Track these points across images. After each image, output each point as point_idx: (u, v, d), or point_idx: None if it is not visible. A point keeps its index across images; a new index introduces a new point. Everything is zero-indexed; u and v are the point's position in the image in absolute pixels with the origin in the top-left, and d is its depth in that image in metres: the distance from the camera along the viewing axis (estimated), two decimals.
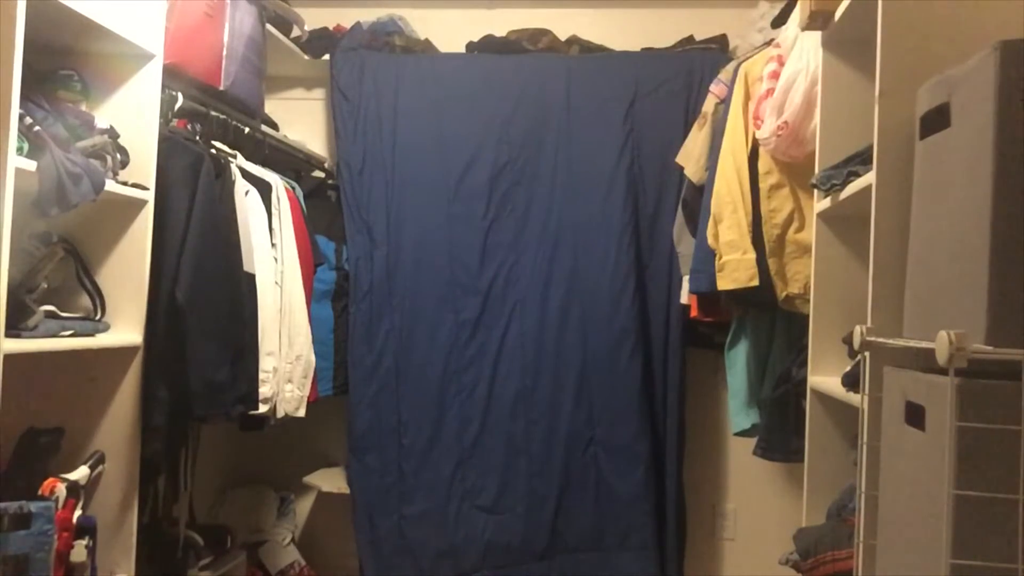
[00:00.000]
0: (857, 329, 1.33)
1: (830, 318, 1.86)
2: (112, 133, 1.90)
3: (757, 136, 2.18)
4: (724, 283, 2.27)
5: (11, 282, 1.55)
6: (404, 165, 2.90)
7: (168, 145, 2.04)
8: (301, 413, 2.49)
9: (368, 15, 3.08)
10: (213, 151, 2.23)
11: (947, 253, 1.13)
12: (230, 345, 2.12)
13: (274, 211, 2.41)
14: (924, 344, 1.03)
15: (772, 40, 2.31)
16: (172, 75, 2.10)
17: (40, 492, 1.71)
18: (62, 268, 1.91)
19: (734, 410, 2.49)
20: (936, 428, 1.04)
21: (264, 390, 2.27)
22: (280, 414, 2.37)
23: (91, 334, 1.86)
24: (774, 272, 2.21)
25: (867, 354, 1.35)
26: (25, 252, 1.76)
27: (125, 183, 1.91)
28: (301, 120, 3.16)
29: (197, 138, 2.23)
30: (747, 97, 2.32)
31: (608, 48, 3.01)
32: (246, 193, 2.29)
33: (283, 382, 2.38)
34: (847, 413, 1.77)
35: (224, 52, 2.34)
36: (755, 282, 2.21)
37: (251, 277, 2.24)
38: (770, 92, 2.10)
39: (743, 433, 2.47)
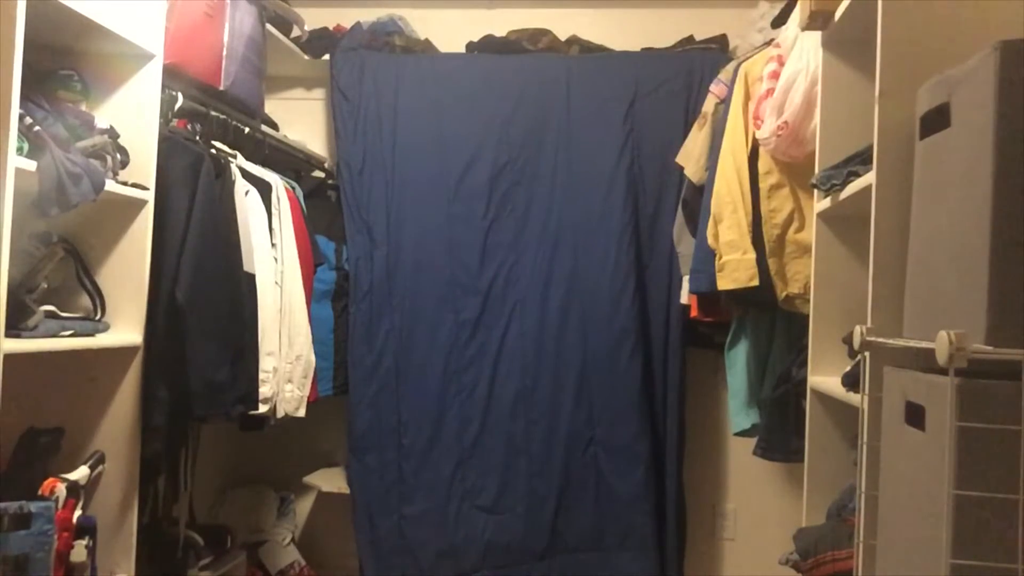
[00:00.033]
0: (857, 329, 1.33)
1: (830, 318, 1.86)
2: (112, 133, 1.90)
3: (757, 136, 2.18)
4: (724, 283, 2.26)
5: (11, 282, 1.55)
6: (404, 165, 2.90)
7: (168, 145, 2.04)
8: (301, 413, 2.49)
9: (368, 15, 3.08)
10: (213, 151, 2.23)
11: (947, 253, 1.13)
12: (230, 345, 2.12)
13: (274, 211, 2.41)
14: (924, 344, 1.03)
15: (772, 40, 2.31)
16: (172, 75, 2.10)
17: (40, 492, 1.71)
18: (62, 268, 1.91)
19: (734, 410, 2.49)
20: (936, 428, 1.04)
21: (264, 390, 2.27)
22: (280, 414, 2.37)
23: (91, 334, 1.86)
24: (774, 272, 2.21)
25: (867, 354, 1.35)
26: (25, 252, 1.76)
27: (125, 183, 1.91)
28: (301, 120, 3.16)
29: (197, 138, 2.23)
30: (747, 97, 2.32)
31: (608, 48, 3.01)
32: (246, 193, 2.29)
33: (283, 382, 2.38)
34: (847, 413, 1.77)
35: (224, 52, 2.34)
36: (755, 282, 2.21)
37: (251, 277, 2.24)
38: (770, 92, 2.10)
39: (743, 433, 2.47)
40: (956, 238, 1.10)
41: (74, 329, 1.82)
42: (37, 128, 1.63)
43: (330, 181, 3.06)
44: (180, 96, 2.14)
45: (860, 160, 1.63)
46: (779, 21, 2.34)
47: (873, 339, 1.29)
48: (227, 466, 3.03)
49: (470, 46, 3.02)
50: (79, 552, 1.75)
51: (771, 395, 2.22)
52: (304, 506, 3.15)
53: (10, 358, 1.53)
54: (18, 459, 1.78)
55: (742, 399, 2.45)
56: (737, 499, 3.04)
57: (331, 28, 3.09)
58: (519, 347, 2.83)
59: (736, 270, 2.23)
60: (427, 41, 3.07)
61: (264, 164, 2.54)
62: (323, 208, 2.98)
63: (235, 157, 2.34)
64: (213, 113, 2.31)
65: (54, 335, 1.76)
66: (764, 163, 2.24)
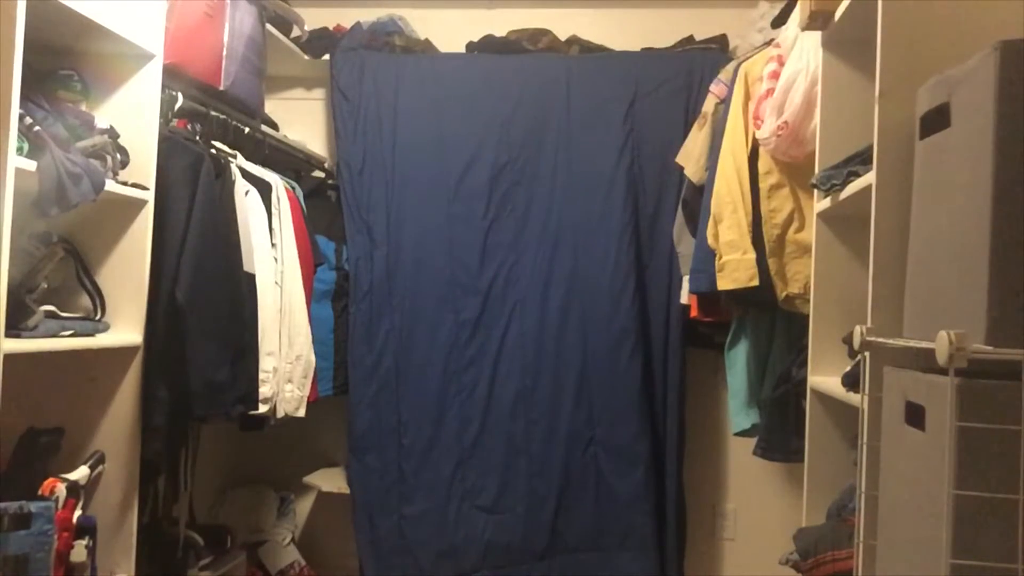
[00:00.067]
0: (857, 329, 1.33)
1: (830, 318, 1.86)
2: (112, 133, 1.90)
3: (757, 136, 2.18)
4: (724, 283, 2.26)
5: (11, 282, 1.55)
6: (404, 165, 2.90)
7: (168, 145, 2.04)
8: (301, 413, 2.49)
9: (368, 15, 3.08)
10: (213, 151, 2.23)
11: (947, 253, 1.13)
12: (230, 345, 2.12)
13: (274, 211, 2.41)
14: (924, 344, 1.03)
15: (772, 40, 2.31)
16: (172, 75, 2.10)
17: (40, 492, 1.71)
18: (62, 268, 1.91)
19: (734, 410, 2.49)
20: (936, 428, 1.04)
21: (264, 390, 2.27)
22: (280, 414, 2.37)
23: (91, 334, 1.86)
24: (774, 272, 2.21)
25: (867, 354, 1.35)
26: (25, 252, 1.76)
27: (125, 183, 1.91)
28: (301, 120, 3.16)
29: (197, 138, 2.23)
30: (747, 97, 2.32)
31: (608, 48, 3.01)
32: (246, 193, 2.29)
33: (283, 382, 2.38)
34: (847, 413, 1.77)
35: (224, 52, 2.34)
36: (755, 282, 2.21)
37: (251, 277, 2.24)
38: (770, 92, 2.10)
39: (743, 433, 2.47)
40: (956, 238, 1.10)
41: (74, 329, 1.82)
42: (37, 128, 1.63)
43: (330, 181, 3.06)
44: (180, 96, 2.14)
45: (860, 160, 1.63)
46: (779, 21, 2.34)
47: (873, 339, 1.29)
48: (227, 466, 3.03)
49: (470, 46, 3.02)
50: (79, 552, 1.75)
51: (771, 395, 2.22)
52: (304, 506, 3.15)
53: (10, 358, 1.53)
54: (18, 459, 1.78)
55: (742, 399, 2.45)
56: (737, 499, 3.04)
57: (331, 28, 3.09)
58: (519, 347, 2.83)
59: (736, 270, 2.23)
60: (427, 41, 3.07)
61: (264, 164, 2.53)
62: (323, 208, 2.98)
63: (235, 157, 2.34)
64: (213, 113, 2.31)
65: (54, 335, 1.76)
66: (764, 163, 2.24)
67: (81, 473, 1.82)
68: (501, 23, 3.07)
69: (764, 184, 2.23)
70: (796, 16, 2.00)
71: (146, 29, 1.97)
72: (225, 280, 2.13)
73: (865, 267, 1.49)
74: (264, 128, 2.66)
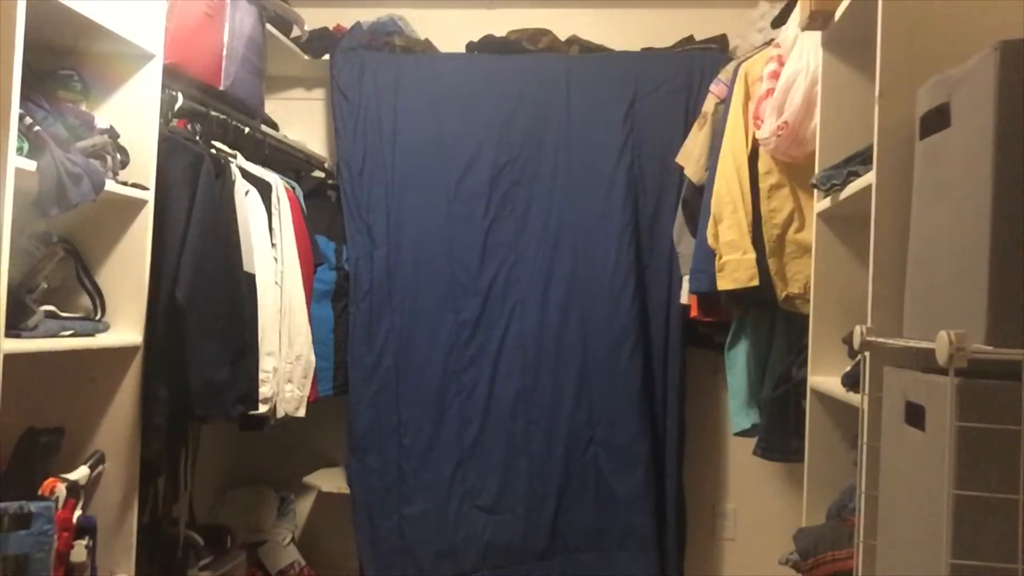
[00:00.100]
0: (857, 329, 1.33)
1: (830, 318, 1.86)
2: (112, 133, 1.90)
3: (757, 136, 2.18)
4: (724, 283, 2.27)
5: (11, 282, 1.55)
6: (404, 165, 2.90)
7: (168, 145, 2.04)
8: (301, 413, 2.49)
9: (368, 15, 3.08)
10: (213, 151, 2.23)
11: (947, 253, 1.13)
12: (230, 345, 2.12)
13: (274, 211, 2.41)
14: (924, 344, 1.03)
15: (772, 40, 2.31)
16: (172, 75, 2.10)
17: (40, 492, 1.71)
18: (62, 268, 1.91)
19: (734, 410, 2.49)
20: (936, 428, 1.04)
21: (264, 390, 2.27)
22: (280, 414, 2.37)
23: (91, 334, 1.86)
24: (774, 272, 2.21)
25: (867, 354, 1.35)
26: (25, 252, 1.76)
27: (125, 183, 1.91)
28: (301, 120, 3.16)
29: (197, 138, 2.23)
30: (747, 97, 2.32)
31: (608, 48, 3.01)
32: (246, 193, 2.29)
33: (283, 382, 2.38)
34: (847, 413, 1.77)
35: (224, 52, 2.34)
36: (755, 282, 2.21)
37: (251, 277, 2.24)
38: (770, 92, 2.10)
39: (743, 433, 2.47)
40: (956, 238, 1.10)
41: (74, 329, 1.82)
42: (37, 128, 1.63)
43: (330, 181, 3.06)
44: (180, 96, 2.14)
45: (860, 160, 1.63)
46: (779, 21, 2.34)
47: (873, 339, 1.29)
48: (227, 466, 3.03)
49: (470, 46, 3.02)
50: (79, 552, 1.75)
51: (771, 395, 2.22)
52: (304, 506, 3.15)
53: (10, 358, 1.53)
54: (18, 459, 1.78)
55: (742, 399, 2.45)
56: (737, 499, 3.04)
57: (331, 28, 3.09)
58: (519, 347, 2.83)
59: (736, 270, 2.23)
60: (427, 41, 3.07)
61: (264, 164, 2.53)
62: (323, 208, 2.98)
63: (235, 157, 2.34)
64: (213, 113, 2.31)
65: (54, 335, 1.76)
66: (764, 163, 2.24)
67: (81, 473, 1.82)
68: (501, 23, 3.07)
69: (764, 184, 2.23)
70: (796, 16, 2.00)
71: (146, 29, 1.97)
72: (225, 280, 2.13)
73: (865, 267, 1.49)
74: (264, 128, 2.66)
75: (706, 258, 2.34)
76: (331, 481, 2.95)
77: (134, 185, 1.94)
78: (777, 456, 2.23)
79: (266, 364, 2.28)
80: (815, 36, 1.90)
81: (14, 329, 1.62)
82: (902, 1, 1.43)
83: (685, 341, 2.83)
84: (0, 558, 1.55)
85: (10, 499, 1.60)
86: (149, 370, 1.98)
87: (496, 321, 2.84)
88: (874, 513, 1.29)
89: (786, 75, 2.04)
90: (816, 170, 1.85)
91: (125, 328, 1.96)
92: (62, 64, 1.92)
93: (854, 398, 1.45)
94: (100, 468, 1.91)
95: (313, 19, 3.04)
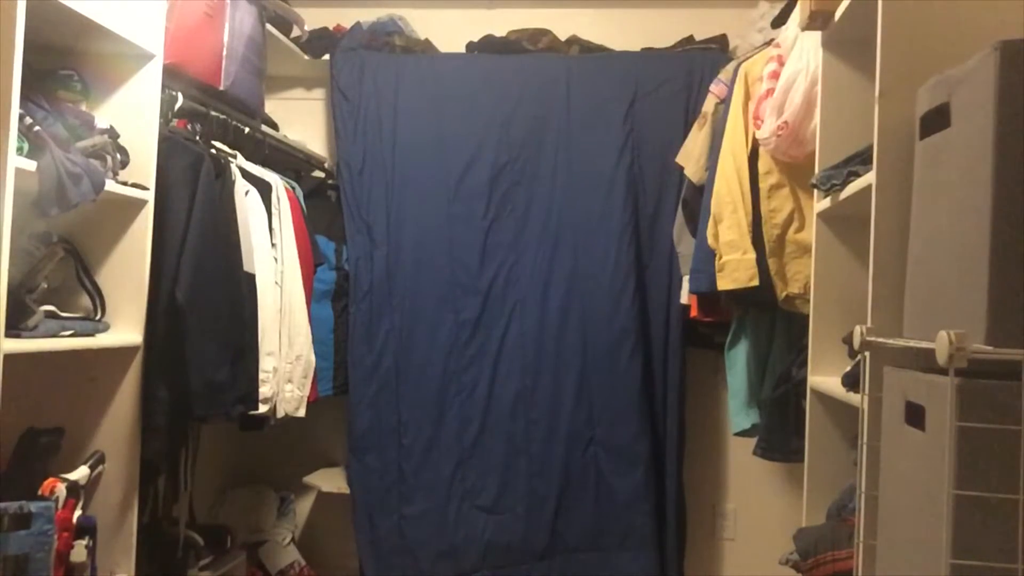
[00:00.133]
0: (857, 329, 1.33)
1: (830, 318, 1.86)
2: (112, 133, 1.90)
3: (757, 136, 2.18)
4: (724, 283, 2.27)
5: (11, 282, 1.55)
6: (404, 165, 2.90)
7: (168, 145, 2.04)
8: (301, 413, 2.49)
9: (368, 15, 3.08)
10: (213, 151, 2.23)
11: (947, 253, 1.13)
12: (230, 345, 2.12)
13: (274, 211, 2.41)
14: (924, 344, 1.03)
15: (772, 40, 2.31)
16: (172, 75, 2.10)
17: (40, 492, 1.71)
18: (62, 268, 1.91)
19: (734, 410, 2.49)
20: (936, 428, 1.04)
21: (264, 390, 2.27)
22: (280, 414, 2.37)
23: (91, 334, 1.86)
24: (774, 272, 2.21)
25: (867, 354, 1.35)
26: (25, 252, 1.76)
27: (125, 183, 1.91)
28: (301, 120, 3.16)
29: (197, 138, 2.23)
30: (747, 97, 2.32)
31: (608, 48, 3.01)
32: (246, 193, 2.29)
33: (283, 382, 2.38)
34: (847, 413, 1.77)
35: (224, 52, 2.34)
36: (755, 282, 2.21)
37: (251, 277, 2.24)
38: (770, 92, 2.10)
39: (743, 433, 2.47)
40: (956, 238, 1.10)
41: (74, 329, 1.82)
42: (37, 128, 1.63)
43: (330, 181, 3.06)
44: (180, 96, 2.14)
45: (860, 160, 1.63)
46: (779, 21, 2.34)
47: (873, 339, 1.29)
48: (227, 466, 3.03)
49: (470, 46, 3.02)
50: (79, 552, 1.75)
51: (771, 395, 2.22)
52: (304, 506, 3.15)
53: (10, 358, 1.53)
54: (18, 459, 1.78)
55: (742, 399, 2.45)
56: (737, 499, 3.04)
57: (331, 28, 3.09)
58: (519, 347, 2.83)
59: (736, 270, 2.23)
60: (427, 41, 3.07)
61: (264, 164, 2.54)
62: (323, 208, 2.98)
63: (235, 157, 2.34)
64: (213, 113, 2.31)
65: (54, 335, 1.76)
66: (764, 163, 2.24)
67: (81, 473, 1.82)
68: (501, 23, 3.07)
69: (764, 184, 2.23)
70: (796, 16, 2.00)
71: (146, 29, 1.97)
72: (225, 280, 2.13)
73: (865, 267, 1.49)
74: (264, 128, 2.66)
75: (706, 258, 2.34)
76: (331, 481, 2.95)
77: (134, 185, 1.94)
78: (777, 456, 2.23)
79: (266, 364, 2.28)
80: (815, 36, 1.90)
81: (14, 329, 1.62)
82: (902, 1, 1.43)
83: (685, 341, 2.83)
84: (0, 558, 1.55)
85: (10, 499, 1.60)
86: (149, 370, 1.98)
87: (496, 321, 2.84)
88: (874, 513, 1.29)
89: (786, 75, 2.04)
90: (816, 170, 1.85)
91: (125, 328, 1.96)
92: (62, 64, 1.92)
93: (854, 398, 1.45)
94: (100, 468, 1.91)
95: (313, 19, 3.04)
